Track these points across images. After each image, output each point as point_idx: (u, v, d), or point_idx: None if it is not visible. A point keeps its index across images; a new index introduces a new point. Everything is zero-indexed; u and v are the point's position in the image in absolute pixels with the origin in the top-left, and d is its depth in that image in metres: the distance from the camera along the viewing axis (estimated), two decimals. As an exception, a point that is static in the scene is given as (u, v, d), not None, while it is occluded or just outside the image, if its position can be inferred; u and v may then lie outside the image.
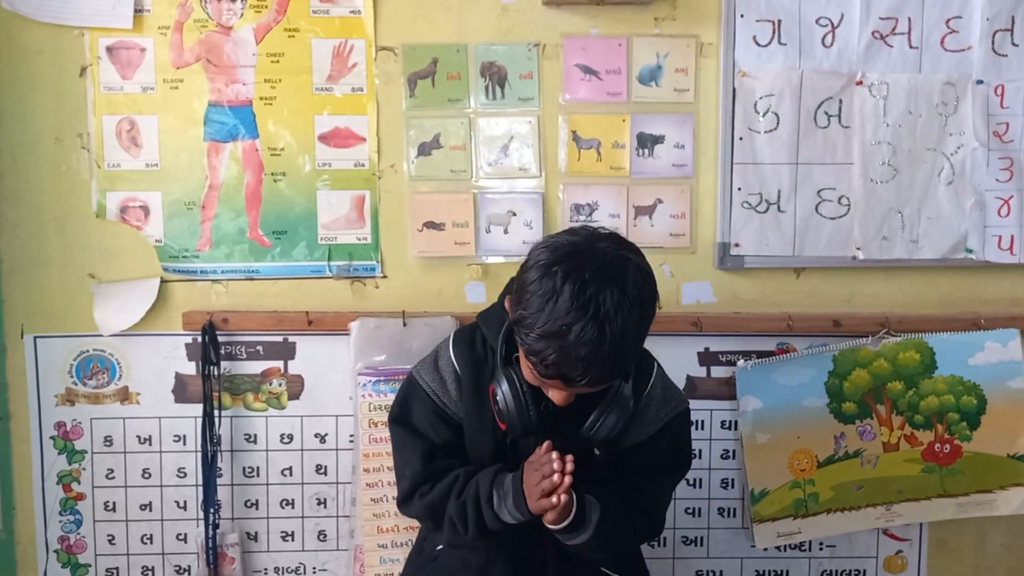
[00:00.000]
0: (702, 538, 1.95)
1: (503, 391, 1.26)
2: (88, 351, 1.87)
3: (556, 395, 1.24)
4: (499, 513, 1.27)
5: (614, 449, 1.33)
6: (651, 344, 1.84)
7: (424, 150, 1.84)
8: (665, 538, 1.94)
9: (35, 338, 1.86)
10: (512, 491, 1.25)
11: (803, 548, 1.94)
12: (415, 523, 1.62)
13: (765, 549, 1.92)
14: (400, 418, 1.40)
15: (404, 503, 1.39)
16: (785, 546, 1.92)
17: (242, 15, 1.81)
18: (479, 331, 1.38)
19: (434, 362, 1.40)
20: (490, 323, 1.35)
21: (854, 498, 1.90)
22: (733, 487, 1.93)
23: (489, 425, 1.33)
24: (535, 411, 1.27)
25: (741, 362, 1.86)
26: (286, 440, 1.90)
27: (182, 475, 1.89)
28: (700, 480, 1.93)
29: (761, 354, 1.89)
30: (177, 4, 1.80)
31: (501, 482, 1.28)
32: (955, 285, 1.92)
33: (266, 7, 1.81)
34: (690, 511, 1.94)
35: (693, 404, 1.89)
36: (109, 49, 1.80)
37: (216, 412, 1.85)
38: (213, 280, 1.86)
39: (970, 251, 1.88)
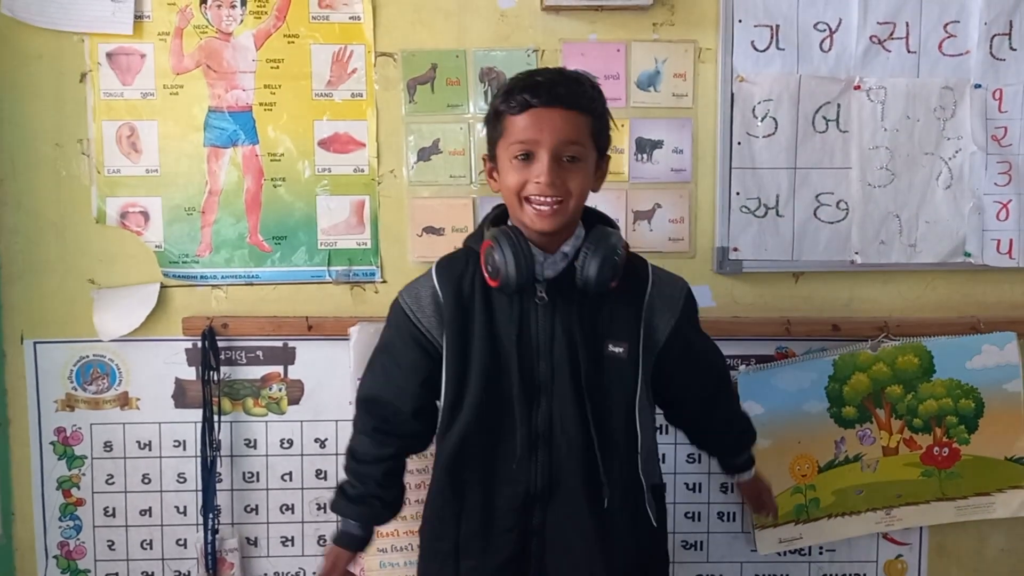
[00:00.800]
0: (702, 542, 1.95)
1: (496, 236, 1.29)
2: (88, 356, 1.87)
3: (539, 166, 1.25)
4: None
5: (630, 347, 1.33)
6: None
7: (423, 155, 1.85)
8: (665, 542, 1.94)
9: (35, 343, 1.86)
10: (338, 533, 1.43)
11: (803, 553, 1.94)
12: (415, 527, 1.61)
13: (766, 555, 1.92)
14: (387, 318, 1.45)
15: (358, 400, 1.45)
16: (785, 551, 1.92)
17: (242, 21, 1.81)
18: (463, 249, 1.40)
19: (414, 283, 1.41)
20: (473, 236, 1.40)
21: (854, 503, 1.90)
22: (733, 491, 1.93)
23: (475, 337, 1.32)
24: (528, 258, 1.27)
25: (743, 367, 1.86)
26: (286, 445, 1.90)
27: (182, 480, 1.89)
28: (699, 484, 1.93)
29: (760, 358, 1.89)
30: (177, 10, 1.80)
31: (349, 518, 1.43)
32: (954, 289, 1.92)
33: (266, 13, 1.81)
34: (690, 515, 1.94)
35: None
36: (109, 55, 1.81)
37: (216, 417, 1.85)
38: (213, 285, 1.87)
39: (969, 255, 1.88)
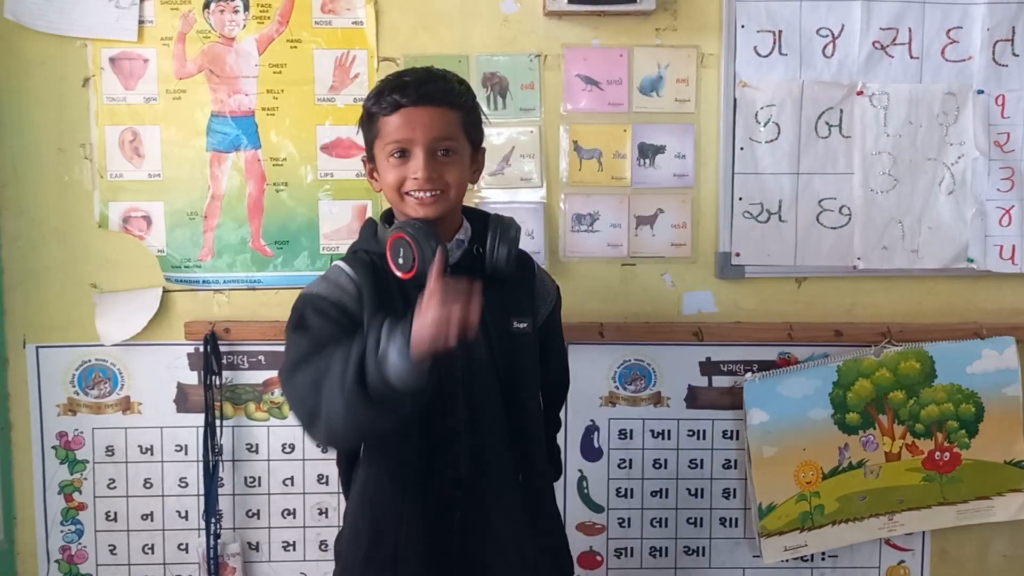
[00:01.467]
0: (704, 548, 1.95)
1: (403, 227, 1.26)
2: (90, 361, 1.87)
3: (415, 163, 1.27)
4: (384, 357, 1.09)
5: (531, 323, 1.39)
6: (652, 353, 1.88)
7: (426, 160, 1.84)
8: (667, 548, 1.94)
9: (37, 348, 1.86)
10: (402, 331, 1.09)
11: (805, 559, 1.94)
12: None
13: (768, 560, 1.92)
14: (293, 325, 1.32)
15: (286, 378, 1.25)
16: (789, 558, 1.92)
17: (244, 26, 1.81)
18: (355, 255, 1.36)
19: (321, 279, 1.35)
20: (361, 242, 1.39)
21: (858, 509, 1.90)
22: (735, 497, 1.93)
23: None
24: (436, 241, 1.23)
25: (749, 375, 1.86)
26: (287, 450, 1.90)
27: (183, 485, 1.89)
28: (702, 490, 1.93)
29: (762, 364, 1.89)
30: (180, 15, 1.80)
31: (393, 324, 1.13)
32: (956, 295, 1.92)
33: (268, 18, 1.81)
34: (692, 521, 1.94)
35: (695, 414, 1.92)
36: (112, 60, 1.81)
37: (218, 422, 1.85)
38: (215, 290, 1.87)
39: (971, 261, 1.88)
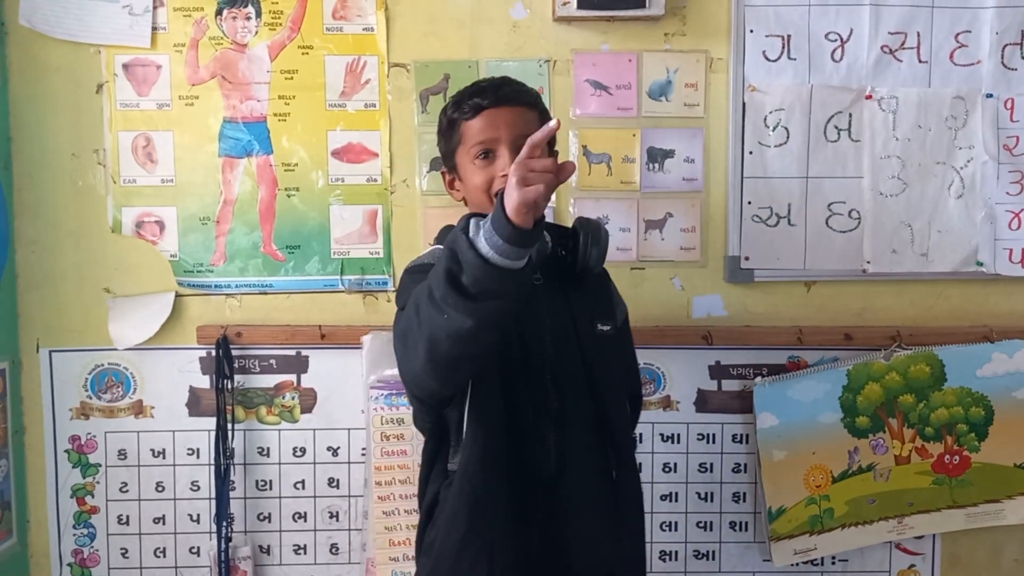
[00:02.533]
0: (714, 552, 1.95)
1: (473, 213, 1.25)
2: (103, 365, 1.88)
3: (502, 161, 1.31)
4: (475, 241, 1.06)
5: (613, 326, 1.42)
6: (662, 357, 1.89)
7: (436, 165, 1.85)
8: (676, 552, 1.94)
9: (51, 352, 1.88)
10: (493, 215, 1.07)
11: (816, 563, 1.93)
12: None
13: (778, 564, 1.92)
14: (398, 298, 1.35)
15: (395, 340, 1.25)
16: (799, 562, 1.92)
17: (257, 32, 1.83)
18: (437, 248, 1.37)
19: (427, 254, 1.38)
20: (440, 236, 1.43)
21: (868, 512, 1.89)
22: (745, 501, 1.93)
23: None
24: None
25: (759, 379, 1.86)
26: (299, 453, 1.91)
27: (195, 488, 1.90)
28: (712, 494, 1.93)
29: (772, 368, 1.89)
30: (193, 22, 1.82)
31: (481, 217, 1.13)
32: (966, 298, 1.92)
33: (280, 25, 1.83)
34: (702, 525, 1.94)
35: (705, 418, 1.92)
36: (125, 66, 1.83)
37: (229, 425, 1.86)
38: (227, 294, 1.88)
39: (981, 264, 1.88)
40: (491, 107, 1.33)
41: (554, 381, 1.34)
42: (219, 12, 1.82)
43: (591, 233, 1.37)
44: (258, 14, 1.82)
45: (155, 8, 1.81)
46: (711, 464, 1.92)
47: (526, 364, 1.32)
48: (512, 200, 1.04)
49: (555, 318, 1.36)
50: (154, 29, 1.82)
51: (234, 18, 1.82)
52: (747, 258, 1.86)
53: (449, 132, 1.39)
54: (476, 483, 1.29)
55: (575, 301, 1.37)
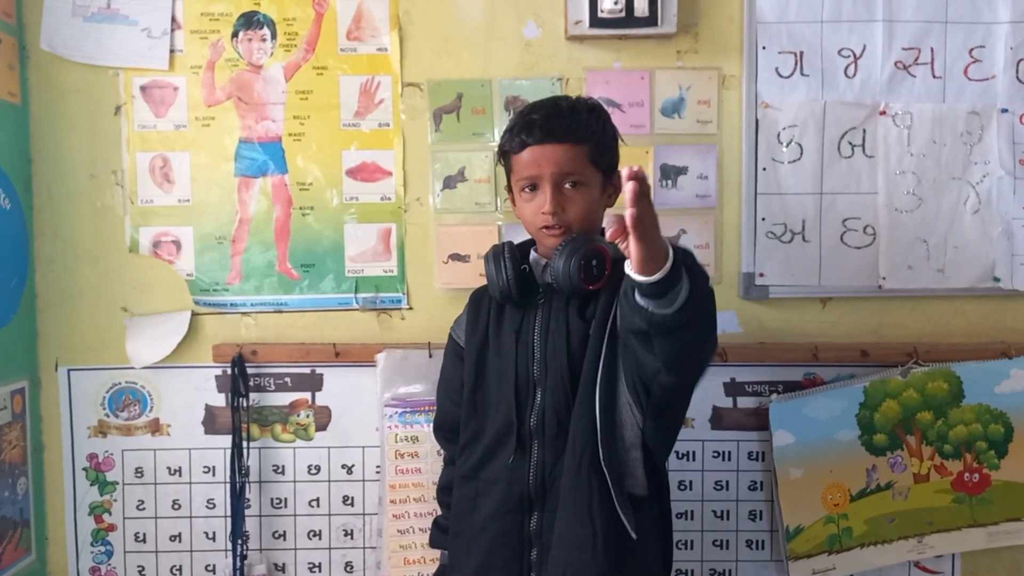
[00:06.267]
0: (730, 571, 1.93)
1: (487, 256, 1.43)
2: (120, 383, 1.90)
3: (542, 197, 1.36)
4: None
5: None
6: None
7: (449, 183, 1.87)
8: (693, 571, 1.92)
9: (69, 371, 1.89)
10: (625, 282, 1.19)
11: (834, 583, 1.92)
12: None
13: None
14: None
15: (436, 437, 1.63)
16: (815, 580, 1.90)
17: (272, 54, 1.85)
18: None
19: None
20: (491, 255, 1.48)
21: (887, 531, 1.87)
22: (761, 519, 1.91)
23: (488, 341, 1.44)
24: (515, 273, 1.39)
25: (774, 396, 1.85)
26: (313, 471, 1.91)
27: (211, 506, 1.91)
28: (728, 512, 1.92)
29: (788, 385, 1.88)
30: (209, 44, 1.84)
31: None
32: (983, 314, 1.90)
33: (295, 46, 1.85)
34: (718, 543, 1.93)
35: (720, 435, 1.91)
36: (143, 88, 1.85)
37: (245, 443, 1.87)
38: (243, 313, 1.89)
39: (998, 280, 1.86)
40: (535, 144, 1.36)
41: (542, 398, 1.37)
42: (235, 34, 1.85)
43: (565, 247, 1.32)
44: (273, 36, 1.84)
45: (173, 31, 1.84)
46: (727, 482, 1.91)
47: (519, 380, 1.39)
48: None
49: (547, 333, 1.38)
50: (171, 51, 1.84)
51: (250, 40, 1.84)
52: (762, 274, 1.86)
53: (504, 161, 1.44)
54: (461, 488, 1.46)
55: (573, 313, 1.37)
